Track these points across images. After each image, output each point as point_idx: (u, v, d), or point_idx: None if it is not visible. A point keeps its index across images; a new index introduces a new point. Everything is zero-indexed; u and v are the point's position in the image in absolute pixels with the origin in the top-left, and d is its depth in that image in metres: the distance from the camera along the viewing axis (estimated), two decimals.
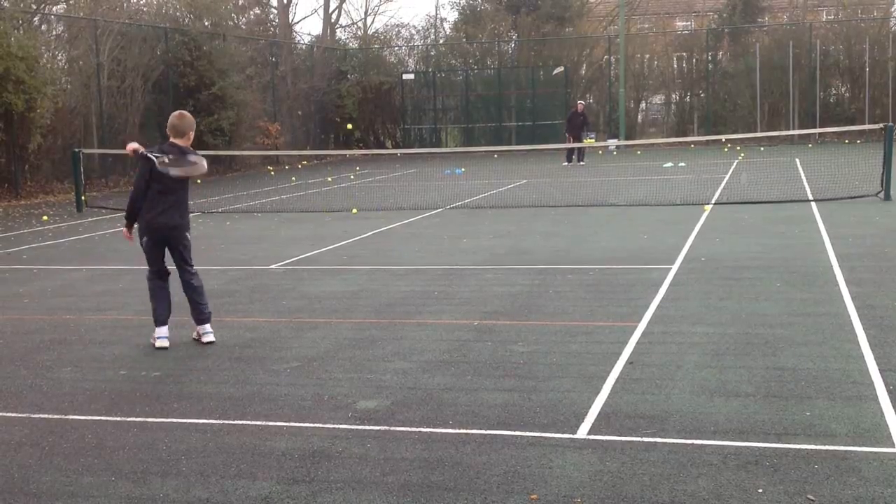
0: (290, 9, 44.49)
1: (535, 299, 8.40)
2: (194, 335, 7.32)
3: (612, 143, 31.28)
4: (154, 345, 7.12)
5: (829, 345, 6.47)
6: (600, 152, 32.39)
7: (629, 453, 4.60)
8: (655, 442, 4.74)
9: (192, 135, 7.14)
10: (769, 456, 4.50)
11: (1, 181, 22.66)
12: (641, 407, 5.29)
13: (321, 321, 7.86)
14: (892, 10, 40.81)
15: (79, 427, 5.34)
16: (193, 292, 7.22)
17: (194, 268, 7.33)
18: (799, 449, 4.57)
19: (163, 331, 7.15)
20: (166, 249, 7.22)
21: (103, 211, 18.71)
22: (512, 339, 6.98)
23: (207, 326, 7.24)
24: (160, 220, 7.05)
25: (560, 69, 36.80)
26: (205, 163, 7.21)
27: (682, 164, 24.95)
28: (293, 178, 26.38)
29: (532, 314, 7.78)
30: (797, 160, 24.87)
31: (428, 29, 45.26)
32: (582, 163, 27.45)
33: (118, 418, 5.47)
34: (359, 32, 46.07)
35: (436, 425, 5.12)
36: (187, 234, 7.25)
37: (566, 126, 28.47)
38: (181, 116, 7.12)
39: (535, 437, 4.88)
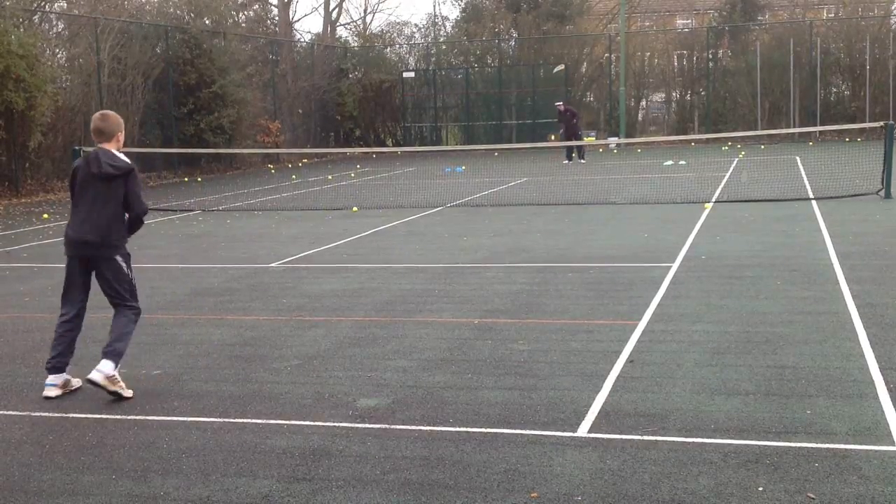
0: (291, 7, 44.47)
1: (536, 297, 8.40)
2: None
3: (613, 141, 31.28)
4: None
5: (830, 343, 6.47)
6: (601, 150, 32.38)
7: (630, 451, 4.60)
8: (656, 440, 4.74)
9: (121, 136, 5.96)
10: (770, 454, 4.50)
11: (1, 179, 22.66)
12: (642, 405, 5.29)
13: (321, 319, 7.86)
14: (893, 7, 40.77)
15: (79, 425, 5.35)
16: (116, 324, 5.83)
17: (134, 305, 5.90)
18: (799, 447, 4.57)
19: (52, 378, 5.84)
20: (91, 280, 5.93)
21: None
22: (512, 337, 6.98)
23: (104, 363, 5.66)
24: (70, 233, 5.87)
25: (560, 67, 36.79)
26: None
27: (683, 162, 24.95)
28: (293, 177, 26.38)
29: (532, 312, 7.78)
30: (797, 158, 24.87)
31: (428, 27, 45.29)
32: (582, 161, 27.45)
33: (119, 416, 5.47)
34: (359, 30, 46.07)
35: (436, 423, 5.12)
36: (118, 259, 5.82)
37: (562, 129, 28.47)
38: (104, 118, 5.94)
39: (535, 435, 4.88)
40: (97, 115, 5.99)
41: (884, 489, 4.07)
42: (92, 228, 5.79)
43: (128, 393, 5.77)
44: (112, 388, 5.68)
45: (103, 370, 5.65)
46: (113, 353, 5.71)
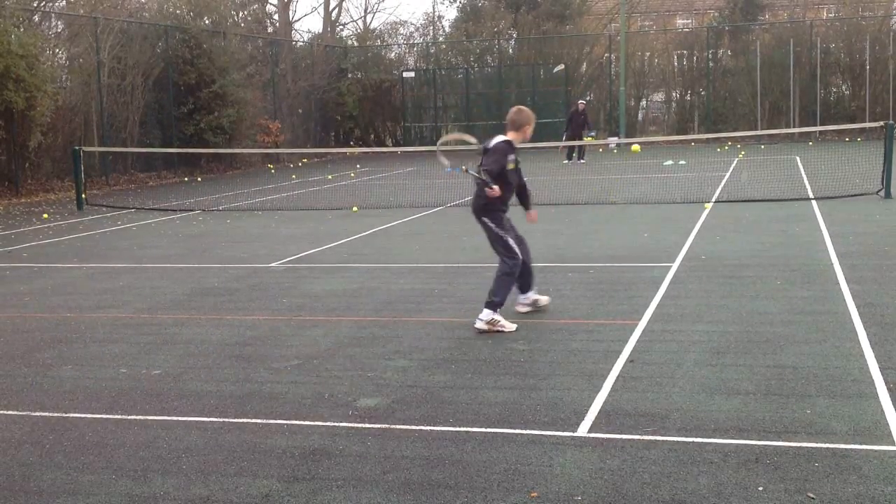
0: (290, 6, 44.50)
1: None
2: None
3: (613, 140, 31.24)
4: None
5: (830, 343, 6.47)
6: (601, 150, 32.38)
7: (630, 451, 4.60)
8: (656, 440, 4.74)
9: (528, 129, 7.44)
10: (770, 454, 4.50)
11: (1, 179, 22.65)
12: (642, 405, 5.29)
13: (321, 319, 7.86)
14: (893, 8, 40.77)
15: (79, 425, 5.35)
16: (495, 276, 7.29)
17: (506, 260, 7.30)
18: (799, 447, 4.57)
19: (520, 297, 7.61)
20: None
21: (104, 209, 18.72)
22: (512, 337, 6.98)
23: (484, 312, 7.09)
24: None
25: (560, 67, 36.77)
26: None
27: (683, 161, 24.93)
28: (294, 176, 26.38)
29: (532, 312, 7.78)
30: (797, 158, 24.87)
31: (427, 26, 45.27)
32: (582, 161, 27.44)
33: (119, 416, 5.48)
34: (358, 30, 46.07)
35: (436, 423, 5.12)
36: (486, 220, 7.45)
37: (566, 125, 28.47)
38: (519, 111, 7.50)
39: (535, 434, 4.88)
40: (515, 108, 7.60)
41: (884, 489, 4.07)
42: (476, 197, 7.53)
43: (510, 328, 7.07)
44: (494, 329, 7.03)
45: (482, 318, 7.04)
46: (490, 304, 7.06)
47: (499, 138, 7.41)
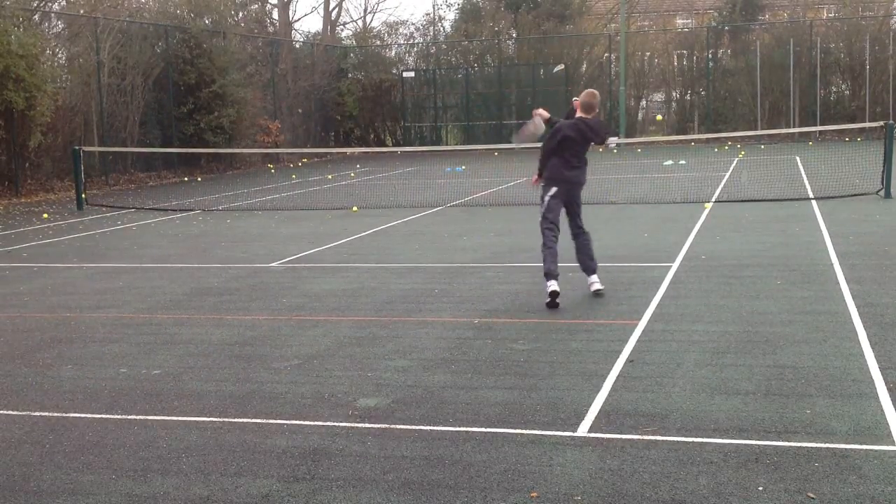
0: (290, 6, 44.51)
1: (536, 297, 8.39)
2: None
3: (613, 140, 31.21)
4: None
5: (830, 343, 6.47)
6: (600, 150, 32.36)
7: (629, 451, 4.60)
8: (656, 440, 4.74)
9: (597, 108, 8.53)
10: (769, 454, 4.50)
11: (1, 179, 22.65)
12: (642, 405, 5.29)
13: (321, 319, 7.87)
14: (893, 7, 40.76)
15: (79, 425, 5.35)
16: (588, 247, 8.48)
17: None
18: (799, 447, 4.57)
19: (552, 283, 7.98)
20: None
21: (103, 209, 18.72)
22: (512, 336, 6.98)
23: (594, 277, 8.36)
24: (566, 174, 8.30)
25: (560, 67, 36.77)
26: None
27: (683, 161, 24.94)
28: (293, 176, 26.38)
29: (532, 312, 7.79)
30: (797, 158, 24.87)
31: (427, 27, 45.27)
32: None
33: (119, 416, 5.48)
34: (358, 30, 46.06)
35: (436, 423, 5.12)
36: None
37: None
38: (595, 95, 8.56)
39: (535, 434, 4.88)
40: (590, 91, 8.57)
41: (884, 489, 4.07)
42: (583, 173, 8.38)
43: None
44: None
45: (598, 280, 8.36)
46: (595, 269, 8.38)
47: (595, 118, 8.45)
